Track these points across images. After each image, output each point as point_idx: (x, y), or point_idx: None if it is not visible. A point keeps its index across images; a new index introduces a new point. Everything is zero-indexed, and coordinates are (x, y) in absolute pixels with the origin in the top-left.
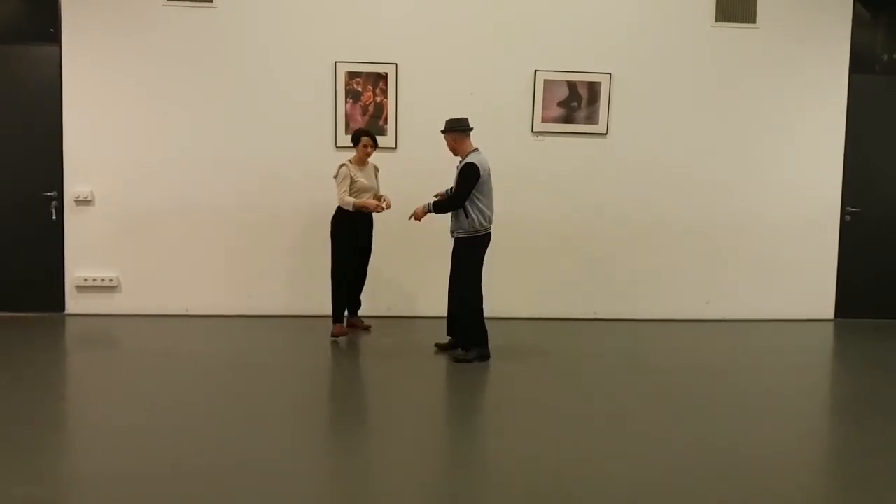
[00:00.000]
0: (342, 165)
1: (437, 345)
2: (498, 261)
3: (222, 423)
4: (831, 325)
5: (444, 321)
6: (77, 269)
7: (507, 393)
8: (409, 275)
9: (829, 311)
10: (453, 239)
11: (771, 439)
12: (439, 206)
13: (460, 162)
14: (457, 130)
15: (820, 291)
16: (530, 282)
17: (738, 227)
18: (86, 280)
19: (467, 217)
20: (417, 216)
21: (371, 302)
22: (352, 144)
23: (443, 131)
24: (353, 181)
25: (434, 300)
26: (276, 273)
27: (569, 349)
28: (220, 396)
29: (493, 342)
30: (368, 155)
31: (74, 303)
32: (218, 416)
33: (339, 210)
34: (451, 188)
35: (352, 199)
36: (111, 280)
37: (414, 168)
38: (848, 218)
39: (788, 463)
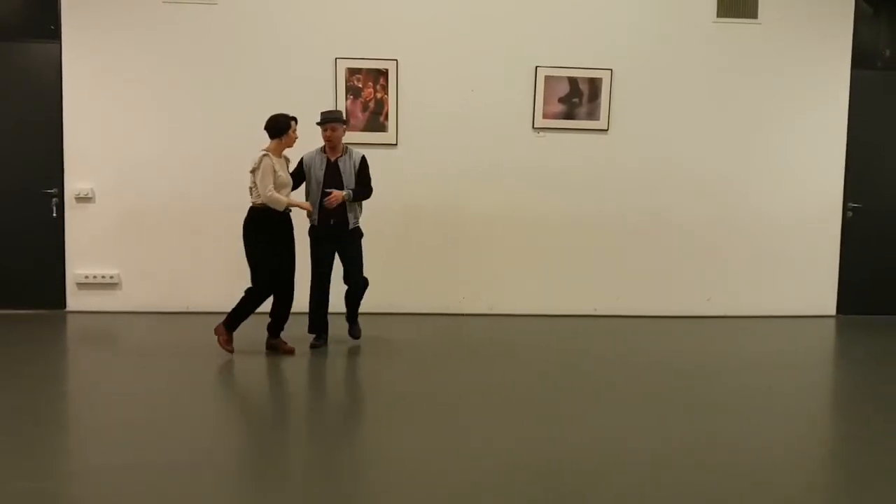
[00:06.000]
0: (264, 156)
1: (313, 345)
2: (498, 257)
3: (222, 419)
4: (833, 321)
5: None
6: (78, 266)
7: (510, 389)
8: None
9: (830, 308)
10: (349, 230)
11: (772, 436)
12: (357, 194)
13: (342, 154)
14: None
15: (822, 288)
16: (530, 278)
17: (739, 223)
18: (86, 277)
19: (359, 208)
20: (334, 200)
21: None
22: (274, 133)
23: (340, 122)
24: (275, 175)
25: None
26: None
27: (569, 346)
28: (220, 393)
29: (494, 339)
30: (293, 143)
31: (75, 300)
32: (217, 412)
33: (259, 210)
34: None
35: (283, 198)
36: (112, 277)
37: (414, 164)
38: (850, 214)
39: (790, 459)
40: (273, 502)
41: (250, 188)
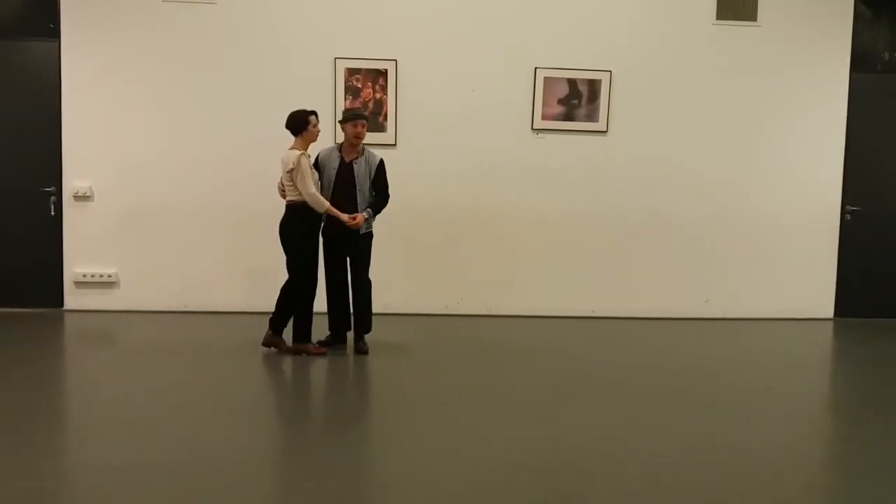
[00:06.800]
0: (301, 155)
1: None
2: (498, 258)
3: (221, 419)
4: (831, 324)
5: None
6: (75, 264)
7: (509, 390)
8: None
9: (828, 310)
10: (363, 233)
11: (772, 437)
12: (376, 208)
13: (359, 156)
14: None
15: (820, 290)
16: (530, 279)
17: (738, 225)
18: (84, 276)
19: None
20: (357, 225)
21: None
22: (295, 131)
23: (366, 119)
24: (312, 173)
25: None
26: (274, 269)
27: (567, 347)
28: (219, 392)
29: (493, 340)
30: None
31: (73, 299)
32: (217, 412)
33: (297, 207)
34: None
35: (325, 201)
36: (110, 276)
37: (414, 164)
38: (848, 217)
39: (790, 460)
40: (273, 502)
41: (281, 190)
